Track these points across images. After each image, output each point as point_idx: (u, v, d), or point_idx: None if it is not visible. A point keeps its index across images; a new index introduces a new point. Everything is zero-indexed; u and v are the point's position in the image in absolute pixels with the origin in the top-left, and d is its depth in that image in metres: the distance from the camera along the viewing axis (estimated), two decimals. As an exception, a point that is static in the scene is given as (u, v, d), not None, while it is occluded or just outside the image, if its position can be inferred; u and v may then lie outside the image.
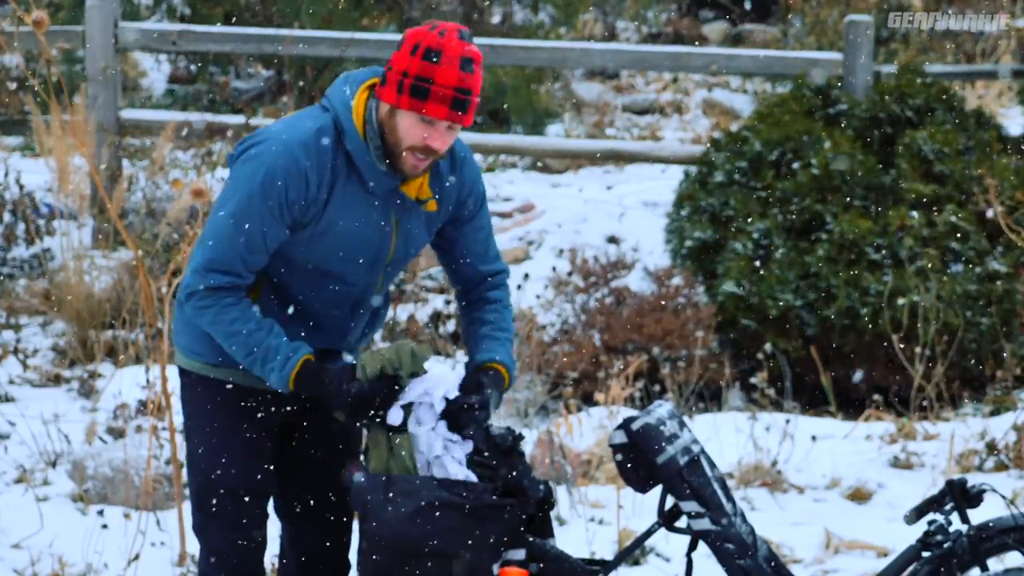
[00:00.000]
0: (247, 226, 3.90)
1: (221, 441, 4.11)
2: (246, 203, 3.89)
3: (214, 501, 4.14)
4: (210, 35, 10.40)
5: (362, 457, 4.16)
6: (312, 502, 4.28)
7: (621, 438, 4.12)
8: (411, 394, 3.99)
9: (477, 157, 12.15)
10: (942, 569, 4.16)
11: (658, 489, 4.15)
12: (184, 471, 4.48)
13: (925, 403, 7.77)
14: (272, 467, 4.19)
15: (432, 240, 4.18)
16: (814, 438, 7.15)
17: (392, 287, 4.31)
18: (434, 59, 3.81)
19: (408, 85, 3.83)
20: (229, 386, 4.11)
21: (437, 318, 8.95)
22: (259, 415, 4.13)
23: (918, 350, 7.74)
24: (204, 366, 4.13)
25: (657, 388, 8.02)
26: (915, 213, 8.38)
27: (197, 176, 9.86)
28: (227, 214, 3.91)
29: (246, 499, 4.14)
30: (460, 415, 3.97)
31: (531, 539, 4.07)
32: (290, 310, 4.07)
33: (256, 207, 3.88)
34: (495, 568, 3.96)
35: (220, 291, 3.94)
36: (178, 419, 6.85)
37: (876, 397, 7.70)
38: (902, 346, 7.78)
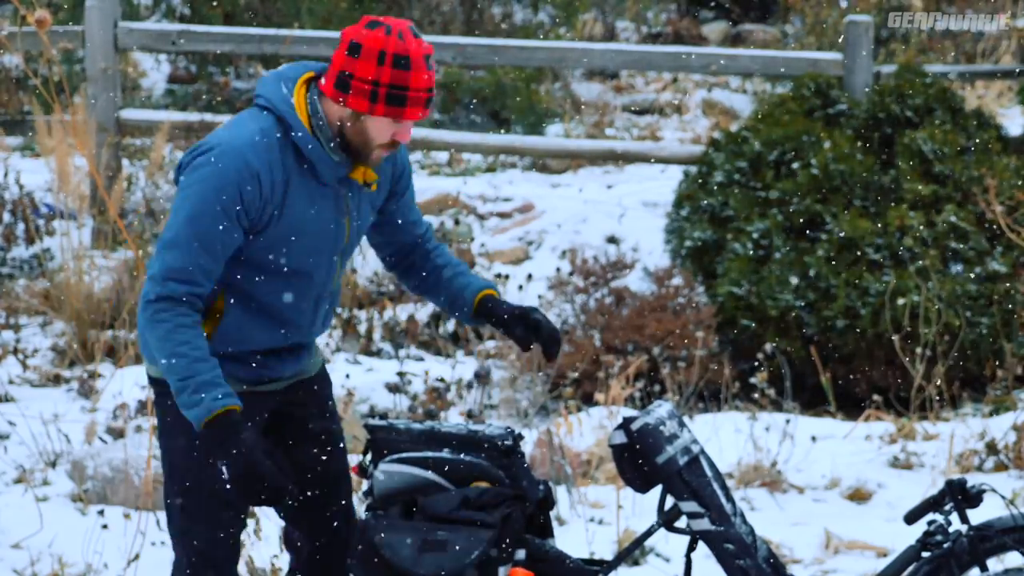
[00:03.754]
0: (203, 231, 3.91)
1: (203, 448, 4.02)
2: (200, 208, 3.90)
3: (200, 505, 4.10)
4: (210, 35, 10.40)
5: (361, 457, 4.17)
6: (304, 500, 4.26)
7: (621, 438, 4.12)
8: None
9: (477, 157, 12.21)
10: (942, 569, 4.16)
11: (658, 489, 4.15)
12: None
13: (925, 403, 7.77)
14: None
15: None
16: (814, 438, 7.15)
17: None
18: (404, 66, 3.89)
19: (384, 94, 3.90)
20: None
21: (437, 318, 8.95)
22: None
23: (918, 350, 7.74)
24: (154, 371, 4.09)
25: (657, 388, 8.02)
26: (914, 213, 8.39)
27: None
28: (183, 220, 3.91)
29: (230, 502, 4.10)
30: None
31: (531, 539, 4.08)
32: (257, 312, 4.06)
33: (211, 211, 3.90)
34: (503, 571, 3.96)
35: (177, 303, 3.92)
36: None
37: (876, 397, 7.70)
38: (902, 346, 7.78)
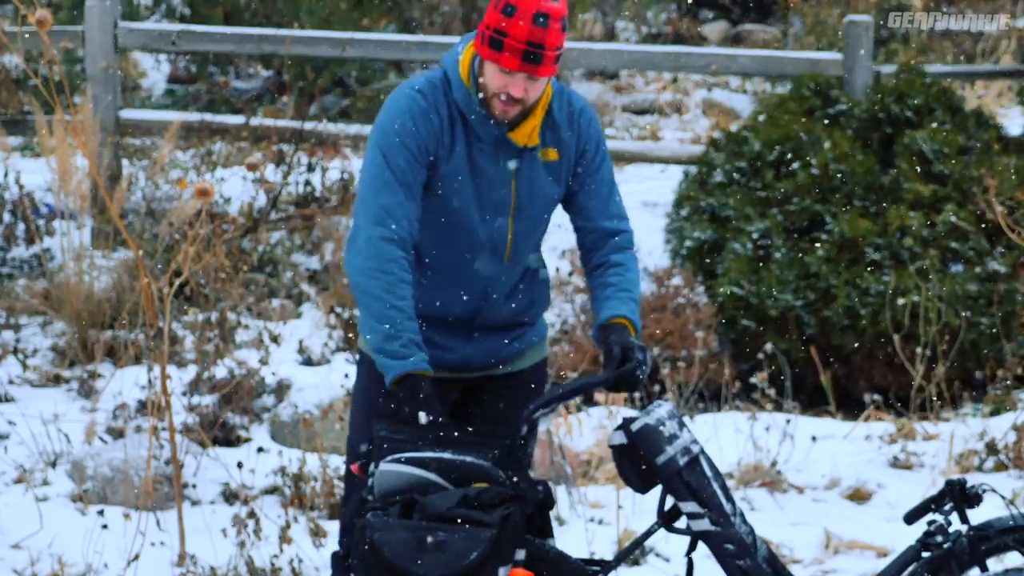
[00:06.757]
0: (395, 164, 4.11)
1: (368, 420, 4.25)
2: (386, 146, 4.13)
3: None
4: (210, 35, 10.40)
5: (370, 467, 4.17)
6: None
7: (621, 439, 4.12)
8: None
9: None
10: (942, 569, 4.16)
11: (658, 489, 4.15)
12: (183, 470, 4.51)
13: (925, 403, 7.77)
14: None
15: (564, 193, 4.34)
16: (814, 438, 7.15)
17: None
18: (508, 13, 4.05)
19: (488, 37, 4.08)
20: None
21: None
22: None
23: (918, 350, 7.74)
24: (366, 345, 4.31)
25: (657, 388, 8.02)
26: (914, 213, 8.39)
27: (197, 176, 9.86)
28: (375, 163, 4.13)
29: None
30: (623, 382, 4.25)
31: (531, 539, 4.08)
32: (433, 275, 4.24)
33: (396, 146, 4.11)
34: (503, 571, 3.96)
35: (388, 243, 4.08)
36: (178, 419, 6.87)
37: (876, 397, 7.70)
38: (902, 346, 7.78)
